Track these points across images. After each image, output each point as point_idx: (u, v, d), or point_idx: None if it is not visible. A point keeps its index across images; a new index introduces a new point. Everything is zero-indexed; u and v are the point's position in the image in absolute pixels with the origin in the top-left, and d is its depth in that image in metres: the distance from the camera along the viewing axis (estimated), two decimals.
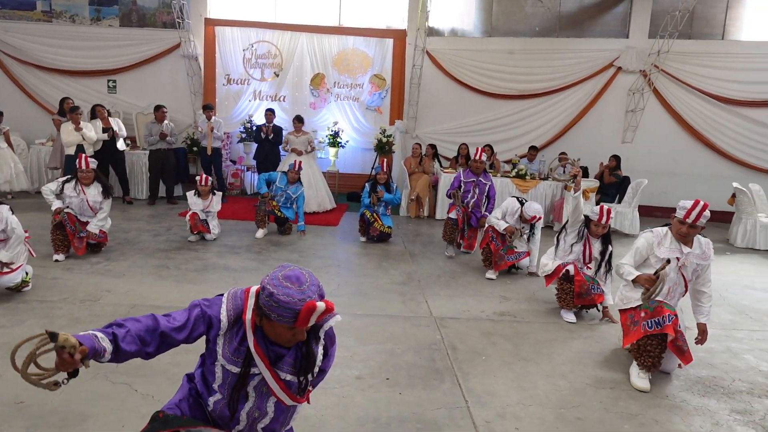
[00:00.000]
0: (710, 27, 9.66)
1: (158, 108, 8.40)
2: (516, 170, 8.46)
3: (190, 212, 6.21)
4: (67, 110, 7.94)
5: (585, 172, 8.77)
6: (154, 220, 7.41)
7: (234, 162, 10.13)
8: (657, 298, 3.34)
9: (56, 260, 5.18)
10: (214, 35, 10.18)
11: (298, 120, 8.66)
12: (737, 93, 9.55)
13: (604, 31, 9.95)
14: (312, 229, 7.37)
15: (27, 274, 4.34)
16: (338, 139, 9.60)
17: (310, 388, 1.95)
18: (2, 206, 4.16)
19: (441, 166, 9.45)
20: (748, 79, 9.48)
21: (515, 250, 5.59)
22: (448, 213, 6.37)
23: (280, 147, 8.81)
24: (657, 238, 3.46)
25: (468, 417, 2.85)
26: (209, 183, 6.41)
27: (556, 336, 4.08)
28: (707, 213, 3.28)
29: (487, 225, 5.86)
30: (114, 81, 10.50)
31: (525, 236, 5.67)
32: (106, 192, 5.52)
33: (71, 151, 7.67)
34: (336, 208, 8.84)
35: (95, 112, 8.06)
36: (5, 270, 4.08)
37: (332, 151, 9.69)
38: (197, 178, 6.45)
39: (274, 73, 10.24)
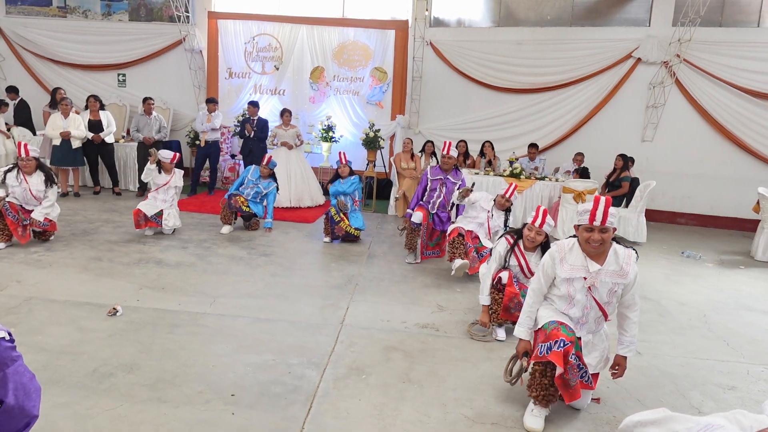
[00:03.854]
0: (744, 14, 8.62)
1: (145, 100, 8.38)
2: (511, 169, 7.85)
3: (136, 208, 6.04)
4: (58, 101, 8.06)
5: (586, 173, 8.04)
6: (129, 211, 7.35)
7: (233, 156, 10.03)
8: (558, 320, 2.79)
9: None
10: (217, 29, 10.11)
11: (287, 113, 8.43)
12: None
13: (623, 19, 9.11)
14: (283, 225, 7.10)
15: None
16: (331, 134, 9.27)
17: None
18: None
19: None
20: None
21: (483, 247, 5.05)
22: (408, 217, 5.82)
23: (267, 141, 8.58)
24: (560, 252, 2.88)
25: None
26: (174, 160, 6.21)
27: (470, 355, 3.58)
28: (613, 210, 2.71)
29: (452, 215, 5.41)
30: (124, 75, 10.66)
31: (499, 230, 5.10)
32: (50, 180, 5.45)
33: (57, 142, 7.78)
34: (324, 205, 8.55)
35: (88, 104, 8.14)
36: None
37: (325, 146, 9.39)
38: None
39: (275, 66, 10.06)
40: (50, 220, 5.47)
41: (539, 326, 2.86)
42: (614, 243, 2.83)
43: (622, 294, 2.82)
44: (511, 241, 3.90)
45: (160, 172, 6.15)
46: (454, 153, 5.77)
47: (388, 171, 9.64)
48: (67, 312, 3.82)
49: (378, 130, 8.86)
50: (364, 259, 5.80)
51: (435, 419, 2.78)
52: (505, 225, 5.17)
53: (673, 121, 8.97)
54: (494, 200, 5.03)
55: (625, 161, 7.92)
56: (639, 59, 8.92)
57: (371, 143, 8.74)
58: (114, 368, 3.07)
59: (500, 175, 7.90)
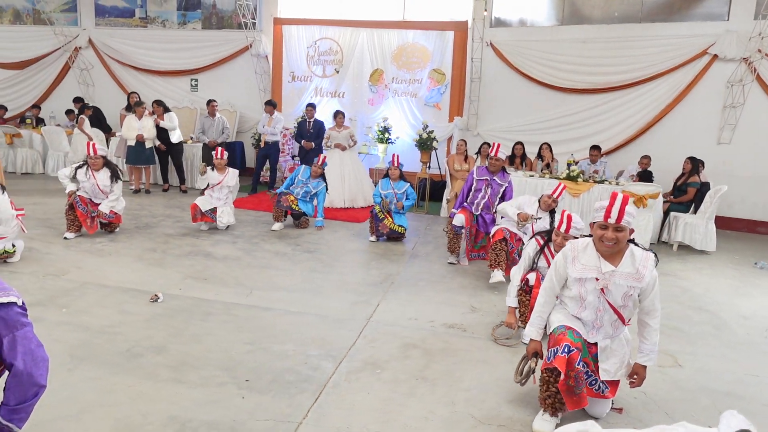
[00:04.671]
0: None
1: (209, 102, 8.84)
2: (568, 171, 7.55)
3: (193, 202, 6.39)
4: (132, 104, 8.68)
5: (648, 176, 7.57)
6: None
7: (294, 157, 10.33)
8: (566, 325, 2.67)
9: (65, 237, 5.62)
10: (282, 34, 10.48)
11: (340, 115, 8.58)
12: None
13: (698, 14, 8.51)
14: (334, 224, 7.23)
15: (13, 246, 4.75)
16: (387, 136, 9.34)
17: None
18: None
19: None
20: None
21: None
22: (451, 217, 5.75)
23: (322, 143, 8.79)
24: (573, 251, 2.75)
25: None
26: (224, 157, 6.53)
27: (491, 358, 3.49)
28: (631, 208, 2.56)
29: (498, 217, 5.27)
30: (196, 80, 11.30)
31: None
32: (115, 176, 5.87)
33: (132, 142, 8.37)
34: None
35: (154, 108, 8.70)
36: None
37: (381, 147, 9.46)
38: (213, 152, 6.66)
39: (335, 69, 10.29)
40: (115, 213, 5.89)
41: (550, 331, 2.75)
42: (631, 244, 2.67)
43: (641, 299, 2.66)
44: (542, 242, 3.78)
45: (213, 170, 6.48)
46: (502, 155, 5.66)
47: (443, 173, 9.56)
48: (115, 296, 4.10)
49: (431, 132, 8.82)
50: (406, 259, 5.80)
51: (440, 417, 2.73)
52: (551, 227, 4.99)
53: (754, 122, 8.26)
54: (539, 200, 4.87)
55: (695, 164, 7.41)
56: (715, 56, 8.31)
57: (424, 144, 8.72)
58: (144, 349, 3.27)
59: (557, 178, 7.62)
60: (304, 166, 7.04)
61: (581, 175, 7.53)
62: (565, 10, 9.26)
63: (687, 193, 7.34)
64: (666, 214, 7.39)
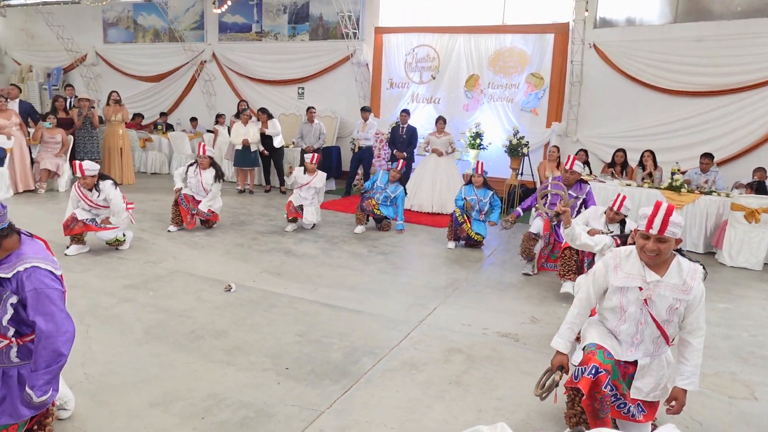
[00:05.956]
0: None
1: (308, 109, 9.37)
2: (671, 181, 6.98)
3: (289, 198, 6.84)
4: (239, 111, 9.49)
5: (762, 188, 6.74)
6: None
7: (387, 161, 10.60)
8: (598, 343, 2.54)
9: (168, 230, 6.31)
10: (382, 42, 10.81)
11: (441, 120, 8.65)
12: None
13: None
14: (417, 228, 7.34)
15: (124, 235, 5.44)
16: (479, 141, 9.25)
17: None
18: (107, 181, 5.29)
19: (591, 173, 8.33)
20: None
21: None
22: (515, 214, 5.63)
23: (414, 150, 8.92)
24: (616, 259, 2.61)
25: (306, 421, 2.66)
26: (315, 161, 6.90)
27: (538, 370, 3.34)
28: (677, 218, 2.38)
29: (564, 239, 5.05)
30: (303, 88, 12.01)
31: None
32: (219, 177, 6.46)
33: (239, 146, 9.13)
34: None
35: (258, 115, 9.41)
36: (102, 227, 5.21)
37: (472, 153, 9.39)
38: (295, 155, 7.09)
39: (432, 75, 10.39)
40: (212, 211, 6.49)
41: (581, 346, 2.63)
42: (678, 255, 2.48)
43: (685, 314, 2.46)
44: (619, 243, 3.59)
45: (305, 173, 6.89)
46: (578, 168, 5.40)
47: (537, 180, 9.26)
48: (196, 285, 4.56)
49: (522, 138, 8.60)
50: (479, 266, 5.74)
51: (463, 422, 2.73)
52: (622, 237, 4.68)
53: None
54: (605, 213, 4.59)
55: None
56: None
57: (514, 150, 8.51)
58: (207, 333, 3.62)
59: (657, 188, 7.08)
60: (382, 171, 7.23)
61: (685, 186, 6.92)
62: (680, 6, 8.55)
63: None
64: None
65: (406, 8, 10.85)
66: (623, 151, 8.10)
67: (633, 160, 8.15)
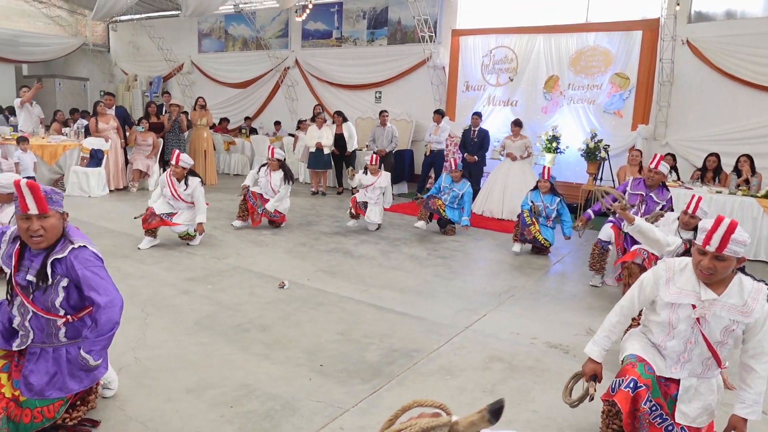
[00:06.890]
0: None
1: (381, 113, 9.45)
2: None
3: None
4: (315, 115, 9.77)
5: None
6: None
7: None
8: (639, 355, 2.33)
9: (232, 224, 6.62)
10: (459, 45, 10.68)
11: (517, 124, 8.40)
12: None
13: None
14: (481, 233, 7.17)
15: (195, 230, 5.77)
16: (555, 145, 8.86)
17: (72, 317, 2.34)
18: (196, 178, 5.65)
19: (678, 178, 7.71)
20: None
21: None
22: (585, 217, 5.32)
23: (487, 154, 8.71)
24: (669, 272, 2.38)
25: (328, 418, 2.66)
26: (375, 162, 6.95)
27: (582, 385, 3.15)
28: (741, 236, 2.13)
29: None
30: (380, 92, 12.14)
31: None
32: (287, 179, 6.68)
33: (313, 149, 9.39)
34: None
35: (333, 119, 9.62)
36: (174, 222, 5.56)
37: (549, 157, 9.00)
38: (366, 158, 7.28)
39: (509, 77, 10.11)
40: (279, 212, 6.70)
41: (621, 357, 2.43)
42: (740, 273, 2.23)
43: (745, 338, 2.20)
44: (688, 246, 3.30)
45: (365, 173, 6.97)
46: (663, 168, 5.02)
47: (616, 185, 8.69)
48: (252, 280, 4.73)
49: (600, 141, 8.12)
50: (541, 273, 5.49)
51: None
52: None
53: None
54: (678, 218, 4.21)
55: None
56: None
57: (591, 154, 8.06)
58: (252, 326, 3.73)
59: (753, 196, 6.41)
60: (444, 173, 7.12)
61: None
62: None
63: None
64: None
65: (484, 10, 10.64)
66: (716, 155, 7.43)
67: (728, 165, 7.44)
